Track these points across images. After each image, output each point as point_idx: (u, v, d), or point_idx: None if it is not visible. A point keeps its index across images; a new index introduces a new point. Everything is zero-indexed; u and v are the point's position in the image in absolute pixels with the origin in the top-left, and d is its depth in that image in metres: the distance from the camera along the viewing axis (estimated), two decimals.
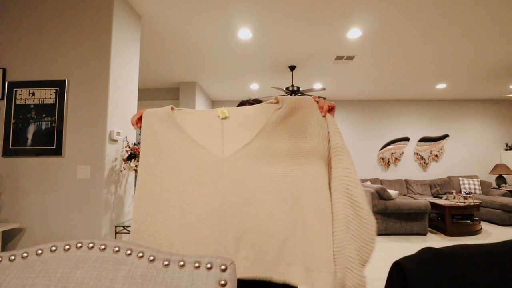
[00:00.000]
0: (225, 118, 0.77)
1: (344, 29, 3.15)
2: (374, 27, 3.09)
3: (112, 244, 0.39)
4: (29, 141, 2.14)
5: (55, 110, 2.15)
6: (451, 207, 4.19)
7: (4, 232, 2.08)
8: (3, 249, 2.10)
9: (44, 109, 2.15)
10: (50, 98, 2.16)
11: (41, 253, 0.39)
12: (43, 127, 2.14)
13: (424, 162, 6.49)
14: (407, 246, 3.78)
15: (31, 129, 2.15)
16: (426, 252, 0.36)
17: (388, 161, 6.45)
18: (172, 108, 0.82)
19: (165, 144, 0.79)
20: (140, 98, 5.28)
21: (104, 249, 0.39)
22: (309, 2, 2.60)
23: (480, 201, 4.54)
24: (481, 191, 5.74)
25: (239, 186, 0.71)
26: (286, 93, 4.39)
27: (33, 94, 2.17)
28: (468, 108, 6.61)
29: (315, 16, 2.86)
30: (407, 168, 6.49)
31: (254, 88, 5.52)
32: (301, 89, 4.46)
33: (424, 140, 6.52)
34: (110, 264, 0.37)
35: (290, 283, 0.68)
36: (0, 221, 2.09)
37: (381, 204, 4.18)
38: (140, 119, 0.83)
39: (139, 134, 2.86)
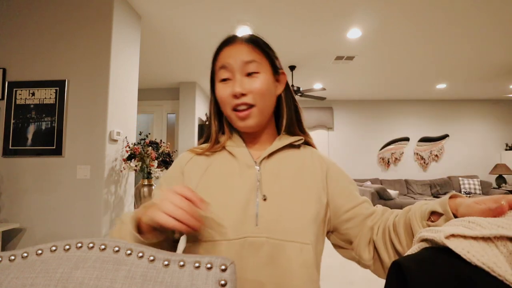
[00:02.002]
0: None
1: (344, 29, 3.15)
2: (374, 27, 3.09)
3: (112, 244, 0.39)
4: (29, 141, 2.14)
5: (55, 110, 2.15)
6: None
7: (4, 232, 2.08)
8: (3, 249, 2.10)
9: (44, 109, 2.15)
10: (50, 98, 2.16)
11: (41, 253, 0.39)
12: (43, 127, 2.14)
13: (424, 162, 6.49)
14: None
15: (31, 129, 2.15)
16: (426, 251, 0.36)
17: (388, 161, 6.45)
18: None
19: None
20: (140, 98, 5.28)
21: (104, 249, 0.39)
22: (309, 2, 2.60)
23: None
24: (481, 191, 5.74)
25: None
26: None
27: (33, 94, 2.17)
28: (468, 108, 6.61)
29: (315, 16, 2.86)
30: (407, 168, 6.49)
31: None
32: (301, 89, 4.46)
33: (424, 140, 6.52)
34: (110, 264, 0.37)
35: None
36: (0, 221, 2.09)
37: (381, 204, 4.18)
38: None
39: (139, 134, 2.83)
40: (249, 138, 0.67)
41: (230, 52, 0.62)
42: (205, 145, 0.67)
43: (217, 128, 0.68)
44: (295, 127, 0.68)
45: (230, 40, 0.65)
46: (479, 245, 0.30)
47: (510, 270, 0.28)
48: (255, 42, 0.64)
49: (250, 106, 0.60)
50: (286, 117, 0.66)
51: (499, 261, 0.29)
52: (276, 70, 0.66)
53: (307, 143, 0.69)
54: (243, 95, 0.59)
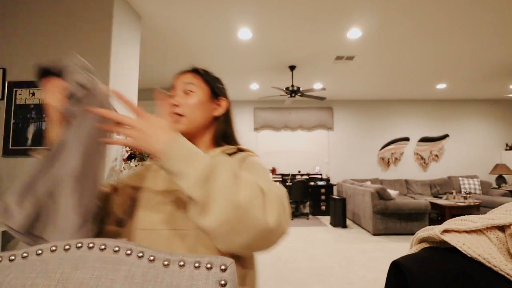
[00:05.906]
0: None
1: (344, 29, 3.15)
2: (374, 27, 3.09)
3: (112, 244, 0.39)
4: (29, 141, 2.14)
5: None
6: (451, 207, 4.19)
7: (4, 232, 2.08)
8: (3, 249, 2.10)
9: (44, 109, 2.15)
10: None
11: (41, 253, 0.39)
12: (43, 127, 2.14)
13: (424, 162, 6.49)
14: (407, 246, 3.77)
15: (31, 129, 2.15)
16: (424, 251, 0.36)
17: (388, 161, 6.45)
18: None
19: None
20: (140, 98, 5.28)
21: (104, 249, 0.39)
22: (309, 2, 2.60)
23: (480, 201, 4.53)
24: (481, 191, 5.74)
25: None
26: (286, 93, 4.39)
27: (33, 94, 2.17)
28: (468, 108, 6.61)
29: (315, 16, 2.86)
30: (407, 168, 6.49)
31: (254, 88, 5.51)
32: (301, 89, 4.46)
33: (424, 140, 6.53)
34: (110, 264, 0.37)
35: None
36: (0, 221, 2.09)
37: (381, 204, 4.18)
38: None
39: None
40: None
41: (178, 77, 0.78)
42: None
43: None
44: (223, 141, 0.78)
45: (183, 71, 0.80)
46: (472, 238, 0.32)
47: (504, 260, 0.30)
48: (197, 71, 0.79)
49: (180, 116, 0.73)
50: (215, 131, 0.78)
51: (493, 252, 0.31)
52: (215, 95, 0.78)
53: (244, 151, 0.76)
54: (175, 105, 0.73)
